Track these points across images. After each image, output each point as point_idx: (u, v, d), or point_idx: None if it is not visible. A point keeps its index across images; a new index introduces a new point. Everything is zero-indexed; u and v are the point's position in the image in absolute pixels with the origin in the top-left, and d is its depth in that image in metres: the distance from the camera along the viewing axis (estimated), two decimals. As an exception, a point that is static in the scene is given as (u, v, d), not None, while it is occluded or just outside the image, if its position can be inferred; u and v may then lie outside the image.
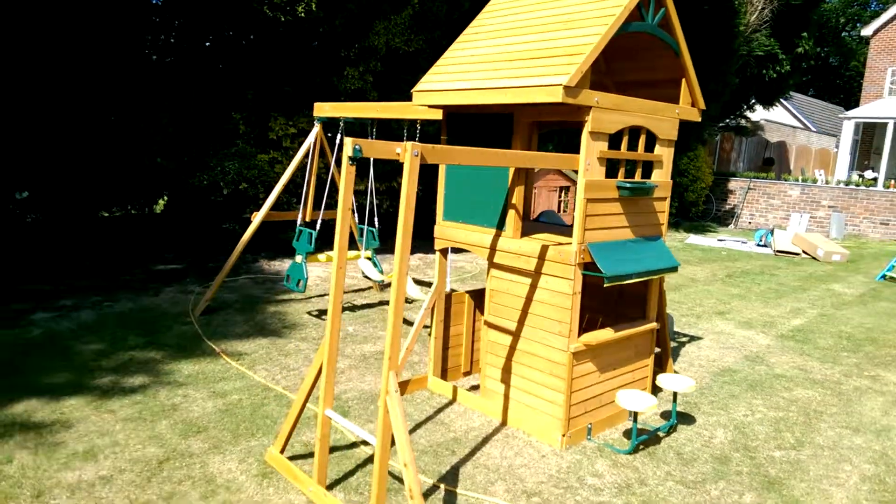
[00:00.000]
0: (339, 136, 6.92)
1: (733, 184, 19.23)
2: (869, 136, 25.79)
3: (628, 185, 4.32)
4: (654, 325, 4.86)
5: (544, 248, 4.26)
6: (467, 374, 5.52)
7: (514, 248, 4.47)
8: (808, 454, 4.40)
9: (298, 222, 7.21)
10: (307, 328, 6.79)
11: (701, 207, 18.86)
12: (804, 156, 26.83)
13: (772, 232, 15.06)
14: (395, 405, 3.14)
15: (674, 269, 4.60)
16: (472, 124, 4.78)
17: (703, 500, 3.75)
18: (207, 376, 5.29)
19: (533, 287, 4.39)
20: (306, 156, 7.34)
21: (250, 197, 10.30)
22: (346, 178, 3.31)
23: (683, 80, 4.70)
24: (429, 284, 8.57)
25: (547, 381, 4.34)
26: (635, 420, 4.22)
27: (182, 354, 5.76)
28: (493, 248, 4.63)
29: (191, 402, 4.76)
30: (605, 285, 4.12)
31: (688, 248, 14.50)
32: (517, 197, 4.48)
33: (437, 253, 5.11)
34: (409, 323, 7.06)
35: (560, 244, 4.28)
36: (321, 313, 7.37)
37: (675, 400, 4.52)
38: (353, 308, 7.69)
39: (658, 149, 4.63)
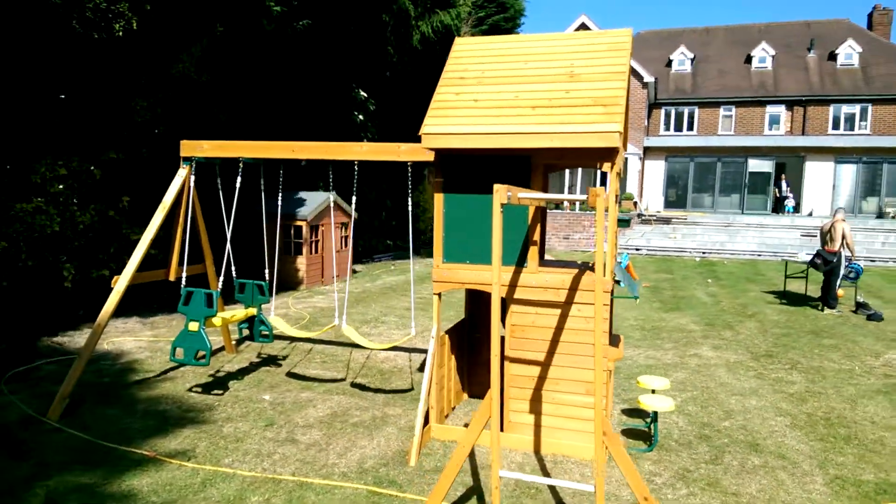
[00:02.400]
0: (236, 178, 6.03)
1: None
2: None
3: (622, 216, 4.97)
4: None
5: (576, 279, 4.63)
6: (447, 414, 5.45)
7: (541, 283, 4.71)
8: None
9: (178, 280, 5.97)
10: (217, 400, 5.69)
11: (428, 235, 20.75)
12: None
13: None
14: (618, 448, 3.18)
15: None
16: (473, 166, 4.85)
17: (726, 465, 4.59)
18: (175, 495, 4.14)
19: (563, 317, 4.69)
20: (175, 203, 6.15)
21: (10, 258, 7.92)
22: (497, 225, 3.21)
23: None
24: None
25: (585, 402, 4.68)
26: (655, 419, 4.87)
27: (102, 476, 4.34)
28: (512, 285, 4.78)
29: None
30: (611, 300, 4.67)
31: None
32: (536, 234, 4.74)
33: (435, 297, 5.00)
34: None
35: (579, 275, 4.68)
36: (207, 386, 6.21)
37: (654, 419, 5.14)
38: (238, 374, 6.66)
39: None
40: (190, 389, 6.19)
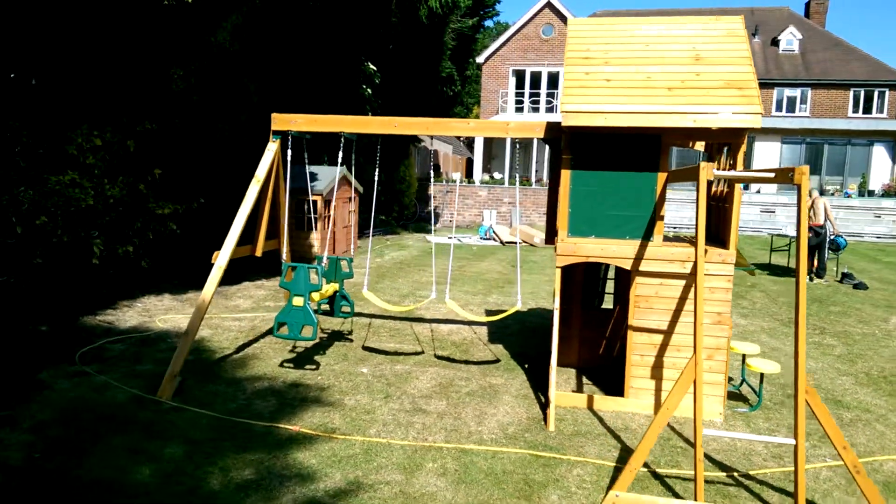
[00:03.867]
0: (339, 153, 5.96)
1: (432, 189, 21.73)
2: (489, 147, 31.94)
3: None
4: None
5: (703, 252, 4.92)
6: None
7: (667, 255, 4.98)
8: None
9: (284, 258, 5.89)
10: (317, 374, 5.70)
11: (411, 210, 20.77)
12: (447, 162, 31.62)
13: (490, 227, 17.82)
14: (817, 400, 3.50)
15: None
16: (602, 144, 5.03)
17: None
18: (337, 467, 4.21)
19: (687, 287, 4.99)
20: (267, 178, 6.04)
21: (47, 234, 7.53)
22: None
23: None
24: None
25: (706, 367, 5.02)
26: (762, 381, 5.28)
27: (263, 452, 4.35)
28: (639, 258, 5.03)
29: None
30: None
31: (446, 246, 16.08)
32: (663, 209, 4.99)
33: (558, 270, 5.19)
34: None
35: (707, 248, 4.99)
36: (296, 361, 6.20)
37: (761, 381, 5.55)
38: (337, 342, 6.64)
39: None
40: (281, 365, 6.16)
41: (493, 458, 4.32)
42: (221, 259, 5.68)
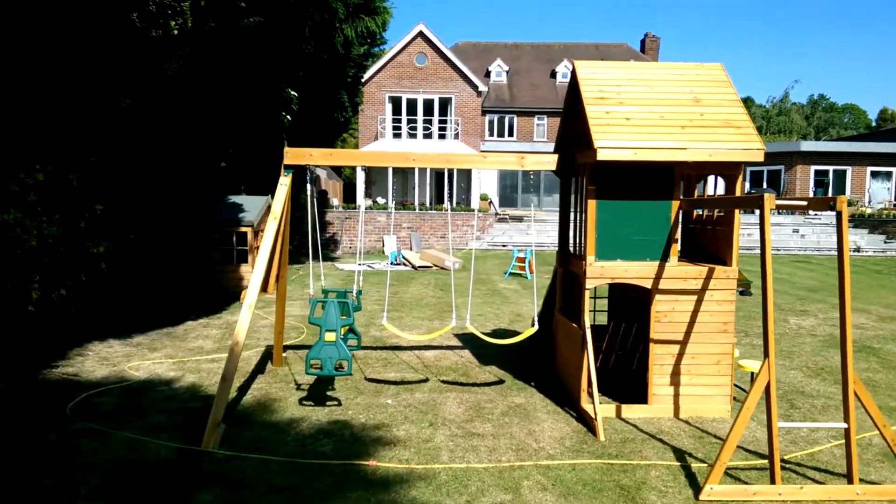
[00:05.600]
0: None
1: (330, 215, 21.48)
2: (369, 173, 32.17)
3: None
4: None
5: (710, 270, 5.67)
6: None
7: (681, 273, 5.66)
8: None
9: (312, 294, 5.73)
10: (346, 409, 5.64)
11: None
12: (328, 187, 31.30)
13: (399, 252, 18.07)
14: (865, 394, 4.26)
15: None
16: (623, 176, 5.62)
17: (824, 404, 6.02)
18: (445, 496, 4.33)
19: (699, 302, 5.70)
20: (282, 213, 5.90)
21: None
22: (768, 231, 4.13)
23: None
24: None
25: (716, 370, 5.75)
26: (753, 379, 6.13)
27: (361, 494, 4.33)
28: (657, 277, 5.66)
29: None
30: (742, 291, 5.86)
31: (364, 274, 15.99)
32: (677, 233, 5.68)
33: (587, 291, 5.68)
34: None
35: (711, 267, 5.74)
36: (313, 398, 6.07)
37: (752, 379, 6.45)
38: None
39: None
40: (301, 403, 6.01)
41: (574, 470, 4.65)
42: (250, 297, 5.46)
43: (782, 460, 4.84)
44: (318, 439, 5.15)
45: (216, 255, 11.52)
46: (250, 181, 13.67)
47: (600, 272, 5.67)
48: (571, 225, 6.68)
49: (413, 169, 29.50)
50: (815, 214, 26.91)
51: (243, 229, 11.52)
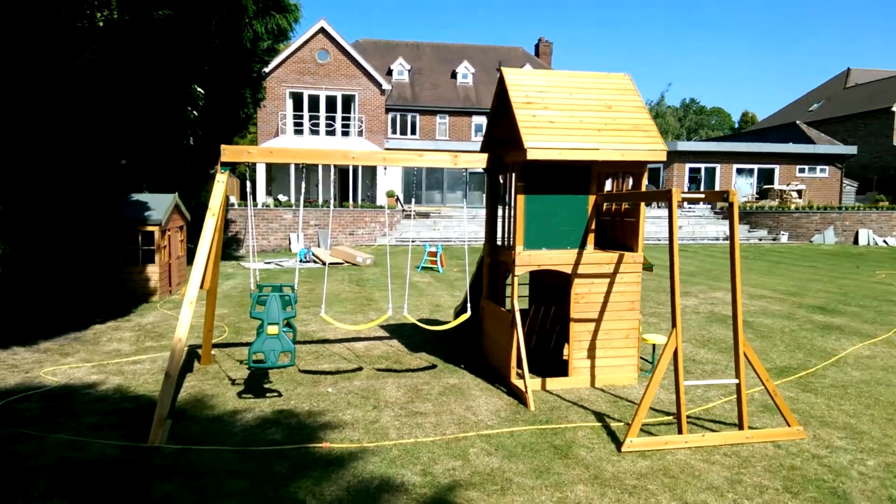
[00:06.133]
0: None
1: (232, 213, 20.90)
2: (269, 170, 31.43)
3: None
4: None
5: (620, 256, 6.35)
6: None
7: (597, 260, 6.30)
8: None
9: (253, 288, 5.80)
10: (288, 399, 5.82)
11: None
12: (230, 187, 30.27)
13: (309, 249, 17.99)
14: (753, 354, 5.04)
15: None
16: (547, 173, 6.17)
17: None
18: (404, 468, 4.67)
19: (611, 283, 6.37)
20: (219, 210, 5.94)
21: None
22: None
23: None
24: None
25: (624, 344, 6.46)
26: (655, 350, 6.91)
27: (320, 474, 4.57)
28: (576, 263, 6.27)
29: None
30: (647, 269, 6.61)
31: (277, 272, 15.81)
32: (593, 224, 6.31)
33: (517, 277, 6.19)
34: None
35: (621, 254, 6.43)
36: (252, 391, 6.17)
37: (653, 350, 7.22)
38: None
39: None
40: (240, 396, 6.08)
41: (512, 436, 5.13)
42: (191, 294, 5.49)
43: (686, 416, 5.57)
44: (266, 428, 5.30)
45: (121, 256, 11.05)
46: (153, 179, 13.14)
47: (528, 260, 6.20)
48: (500, 218, 7.17)
49: (316, 166, 29.21)
50: (690, 207, 29.48)
51: (150, 228, 11.13)
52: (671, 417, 5.53)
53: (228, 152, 6.00)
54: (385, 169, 30.27)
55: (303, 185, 6.83)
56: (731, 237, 4.99)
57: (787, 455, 4.82)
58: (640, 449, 4.83)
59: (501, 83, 6.49)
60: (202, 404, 5.89)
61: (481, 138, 31.38)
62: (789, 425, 5.13)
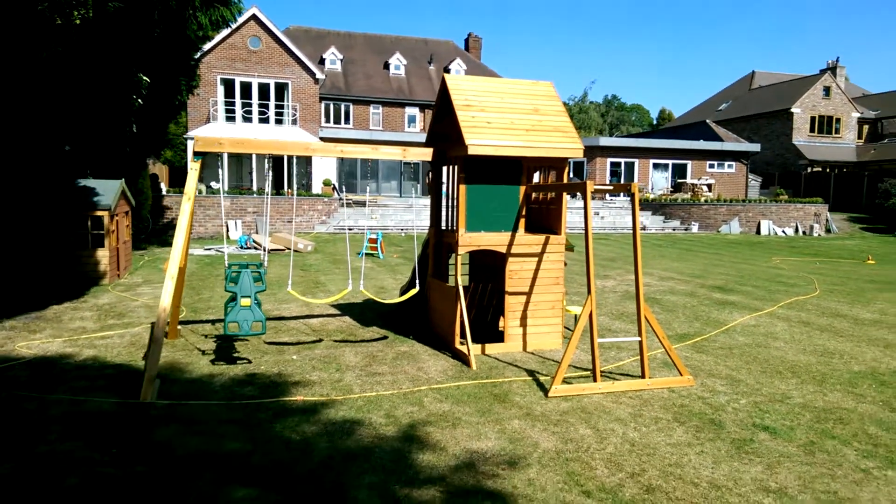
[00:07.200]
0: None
1: (168, 200, 20.86)
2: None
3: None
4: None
5: (546, 238, 7.43)
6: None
7: (527, 241, 7.35)
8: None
9: (227, 264, 6.45)
10: (258, 365, 6.56)
11: (145, 223, 19.78)
12: (157, 171, 29.76)
13: (249, 236, 18.37)
14: (652, 317, 6.21)
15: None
16: (484, 166, 7.14)
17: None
18: (371, 413, 5.56)
19: (539, 262, 7.44)
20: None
21: None
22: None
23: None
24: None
25: (551, 314, 7.56)
26: (577, 319, 8.06)
27: (299, 421, 5.39)
28: (510, 244, 7.29)
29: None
30: (568, 250, 7.73)
31: (216, 257, 16.13)
32: (524, 210, 7.35)
33: (459, 256, 7.15)
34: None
35: (547, 236, 7.51)
36: (223, 359, 6.87)
37: (576, 319, 8.36)
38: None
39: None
40: (213, 363, 6.76)
41: (458, 389, 6.10)
42: (172, 269, 6.13)
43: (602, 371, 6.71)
44: (243, 387, 6.04)
45: (70, 240, 11.27)
46: (97, 166, 13.24)
47: (469, 241, 7.17)
48: (444, 205, 8.09)
49: (250, 154, 29.20)
50: (611, 199, 31.46)
51: (100, 213, 11.39)
52: (588, 373, 6.65)
53: (201, 142, 6.63)
54: (322, 158, 30.61)
55: (225, 173, 7.50)
56: (633, 220, 6.12)
57: (678, 397, 6.03)
58: (563, 394, 5.91)
59: (444, 87, 7.40)
60: (179, 370, 6.55)
61: (414, 129, 32.62)
62: (682, 375, 6.35)
